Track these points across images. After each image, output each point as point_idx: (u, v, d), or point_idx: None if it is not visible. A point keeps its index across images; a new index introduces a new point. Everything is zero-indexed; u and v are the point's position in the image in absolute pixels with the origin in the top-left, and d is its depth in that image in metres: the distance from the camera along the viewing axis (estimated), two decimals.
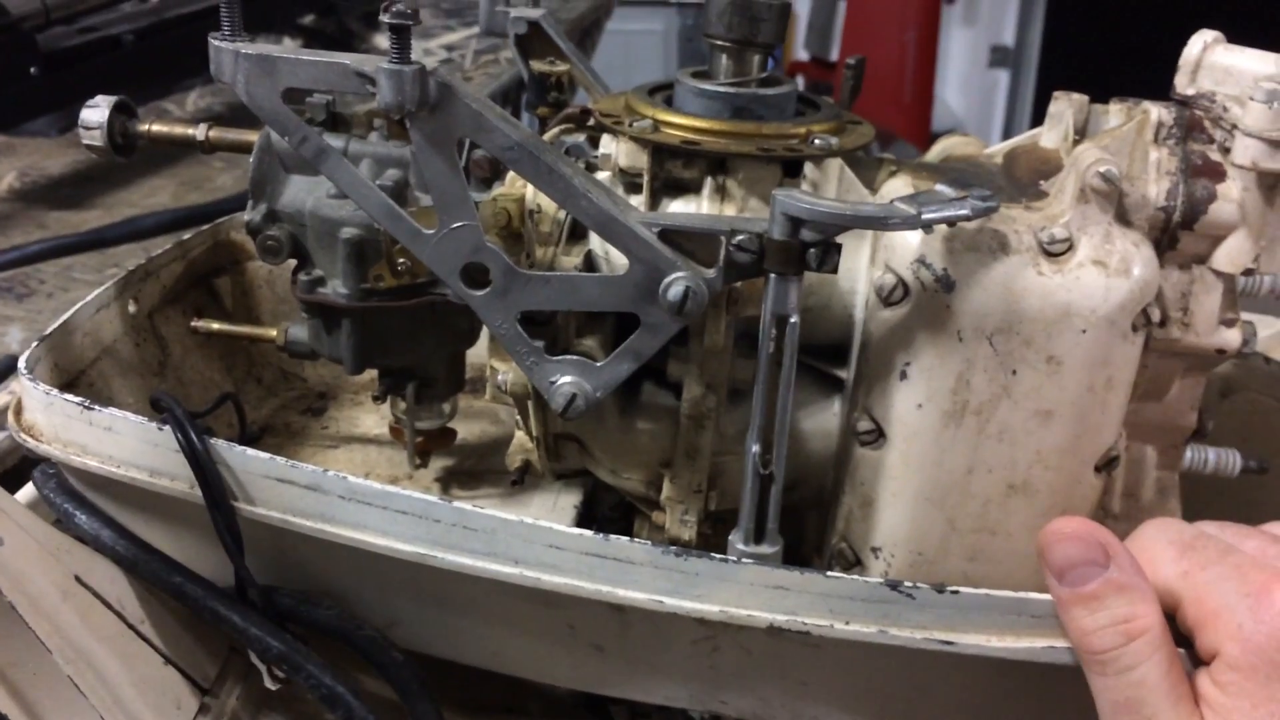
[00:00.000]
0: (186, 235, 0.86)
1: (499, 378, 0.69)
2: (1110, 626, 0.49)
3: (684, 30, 4.17)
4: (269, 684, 0.64)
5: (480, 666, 0.66)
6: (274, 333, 0.76)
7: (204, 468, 0.58)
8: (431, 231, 0.59)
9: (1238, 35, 0.63)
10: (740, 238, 0.58)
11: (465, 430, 0.84)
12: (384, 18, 0.53)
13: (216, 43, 0.57)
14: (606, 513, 0.79)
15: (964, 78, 4.14)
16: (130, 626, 0.62)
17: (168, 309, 0.82)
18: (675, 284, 0.58)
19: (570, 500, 0.77)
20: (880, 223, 0.56)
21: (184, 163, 1.70)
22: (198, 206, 1.49)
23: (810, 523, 0.72)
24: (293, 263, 0.74)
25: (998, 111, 4.05)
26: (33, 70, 1.54)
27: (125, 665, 0.60)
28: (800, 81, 3.54)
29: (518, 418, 0.75)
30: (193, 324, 0.78)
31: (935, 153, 0.75)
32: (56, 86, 1.56)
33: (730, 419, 0.67)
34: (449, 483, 0.80)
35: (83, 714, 0.58)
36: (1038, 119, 0.70)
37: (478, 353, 0.76)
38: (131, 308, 0.78)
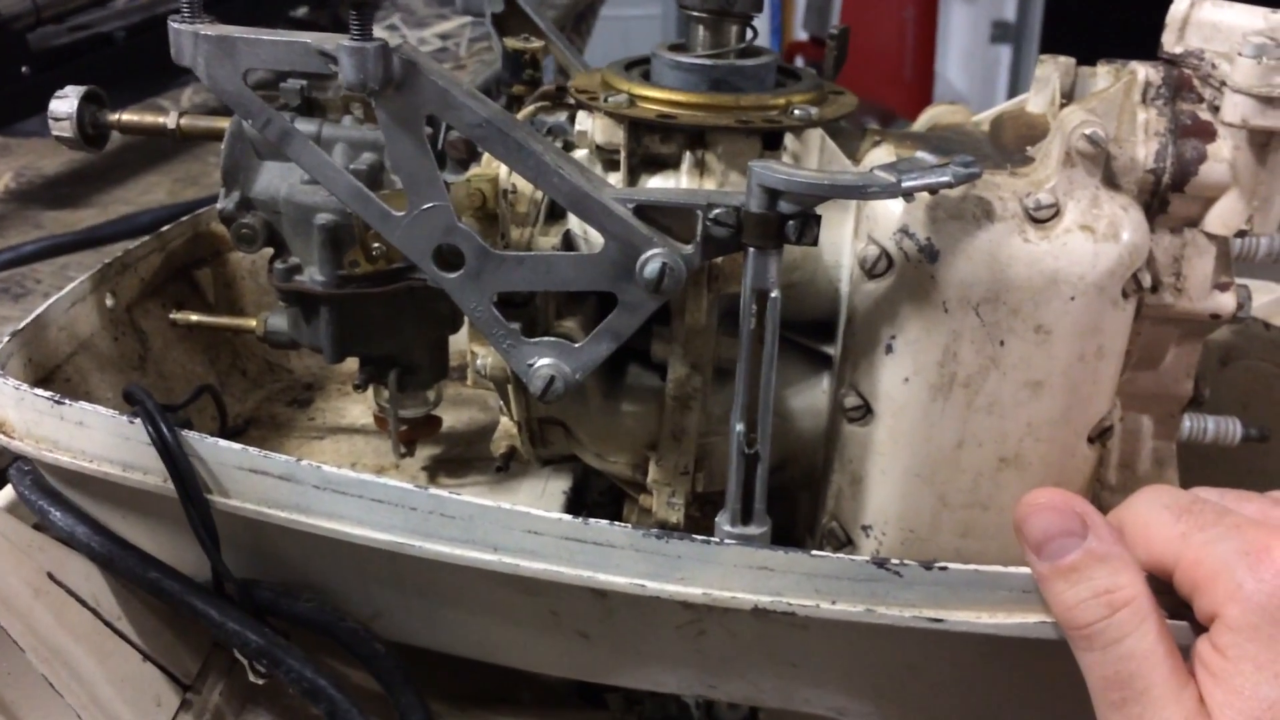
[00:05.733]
0: (166, 228, 0.84)
1: (478, 362, 0.68)
2: (1092, 598, 0.48)
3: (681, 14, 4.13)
4: (253, 678, 0.63)
5: (466, 656, 0.65)
6: (254, 323, 0.75)
7: (175, 461, 0.57)
8: (401, 214, 0.58)
9: None
10: (717, 211, 0.56)
11: (452, 418, 0.83)
12: None
13: (175, 25, 0.56)
14: (596, 498, 0.78)
15: (965, 54, 4.10)
16: (106, 623, 0.61)
17: (147, 302, 0.81)
18: (651, 261, 0.57)
19: (559, 486, 0.76)
20: (859, 192, 0.54)
21: (179, 159, 1.69)
22: (193, 202, 1.48)
23: (802, 503, 0.71)
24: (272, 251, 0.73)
25: (1000, 87, 4.00)
26: (24, 70, 1.54)
27: (102, 663, 0.59)
28: (799, 62, 3.52)
29: (500, 403, 0.74)
30: (171, 316, 0.77)
31: (922, 122, 0.73)
32: (49, 85, 1.55)
33: (716, 399, 0.66)
34: (436, 471, 0.79)
35: (59, 713, 0.57)
36: None
37: (464, 339, 0.75)
38: (109, 301, 0.77)
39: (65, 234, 1.39)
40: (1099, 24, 3.57)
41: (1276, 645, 0.44)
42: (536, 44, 0.78)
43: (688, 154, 0.63)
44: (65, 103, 0.72)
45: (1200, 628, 0.47)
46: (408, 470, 0.79)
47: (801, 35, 4.19)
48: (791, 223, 0.55)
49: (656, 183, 0.64)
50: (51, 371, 0.70)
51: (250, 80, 0.58)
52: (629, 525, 0.55)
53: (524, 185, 0.65)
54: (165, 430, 0.58)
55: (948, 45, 4.05)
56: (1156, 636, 0.47)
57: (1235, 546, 0.46)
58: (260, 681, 0.63)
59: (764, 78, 0.65)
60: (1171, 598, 0.49)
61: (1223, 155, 0.58)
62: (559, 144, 0.67)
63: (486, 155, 0.67)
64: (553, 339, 0.61)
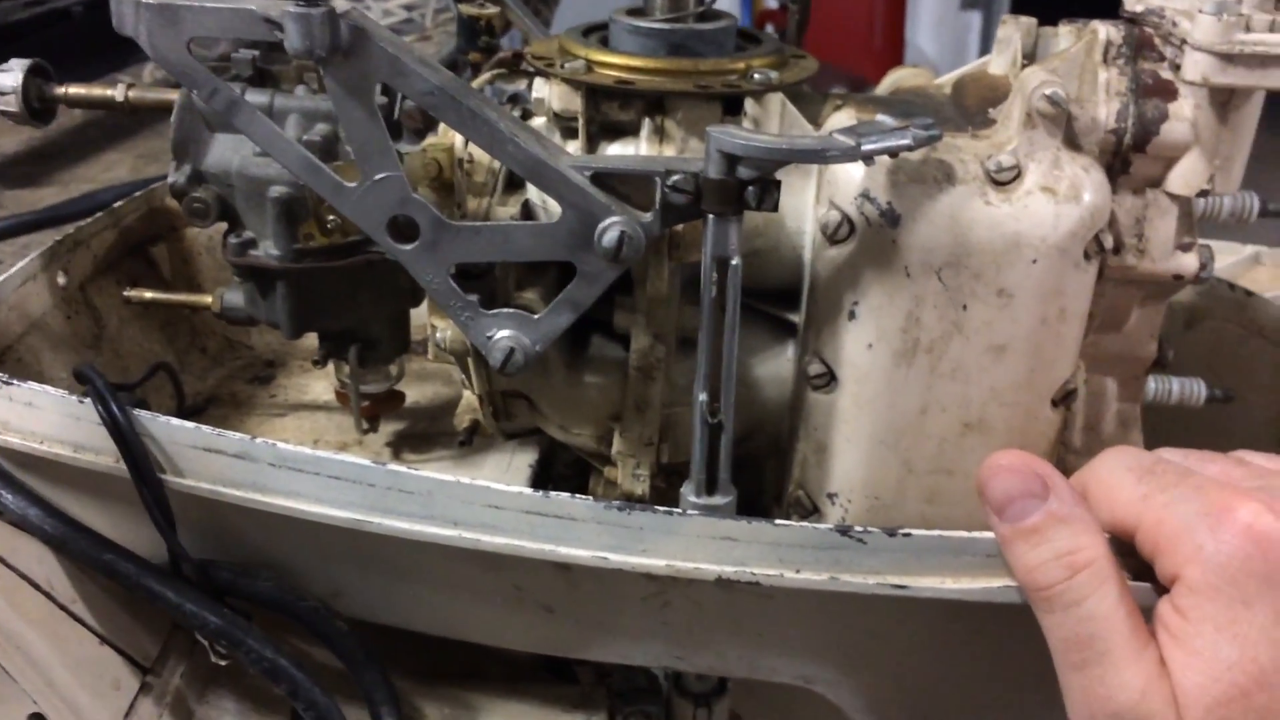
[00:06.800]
0: (118, 204, 0.83)
1: (438, 335, 0.67)
2: (1053, 560, 0.47)
3: None
4: (215, 659, 0.62)
5: (431, 633, 0.65)
6: (210, 299, 0.74)
7: (127, 440, 0.56)
8: (354, 185, 0.57)
9: None
10: (676, 178, 0.55)
11: (417, 392, 0.82)
12: None
13: None
14: (562, 470, 0.77)
15: (935, 21, 4.09)
16: (61, 607, 0.60)
17: (101, 279, 0.79)
18: (610, 229, 0.56)
19: (525, 459, 0.75)
20: (818, 155, 0.53)
21: (141, 135, 1.67)
22: (156, 179, 1.45)
23: (768, 471, 0.71)
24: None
25: (971, 54, 3.99)
26: None
27: (57, 647, 0.58)
28: (770, 30, 3.49)
29: (463, 377, 0.73)
30: (125, 293, 0.76)
31: (885, 85, 0.72)
32: (4, 61, 1.52)
33: (680, 369, 0.65)
34: (400, 447, 0.78)
35: (15, 699, 0.56)
36: None
37: (425, 312, 0.74)
38: (61, 279, 0.75)
39: (26, 213, 1.36)
40: None
41: (1236, 606, 0.43)
42: (492, 10, 0.76)
43: (646, 120, 0.62)
44: (9, 76, 0.70)
45: (1162, 589, 0.47)
46: (371, 446, 0.78)
47: (772, 3, 4.16)
48: (751, 188, 0.54)
49: (616, 150, 0.63)
50: (2, 352, 0.69)
51: (212, 53, 0.56)
52: (591, 498, 0.54)
53: (481, 155, 0.64)
54: (116, 410, 0.56)
55: (918, 12, 4.03)
56: (1117, 598, 0.46)
57: (1197, 508, 0.45)
58: (222, 663, 0.62)
59: (723, 42, 0.64)
60: (1134, 559, 0.49)
61: (1184, 114, 0.57)
62: (517, 112, 0.66)
63: (443, 124, 0.66)
64: (512, 310, 0.60)
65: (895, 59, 3.70)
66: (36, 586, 0.60)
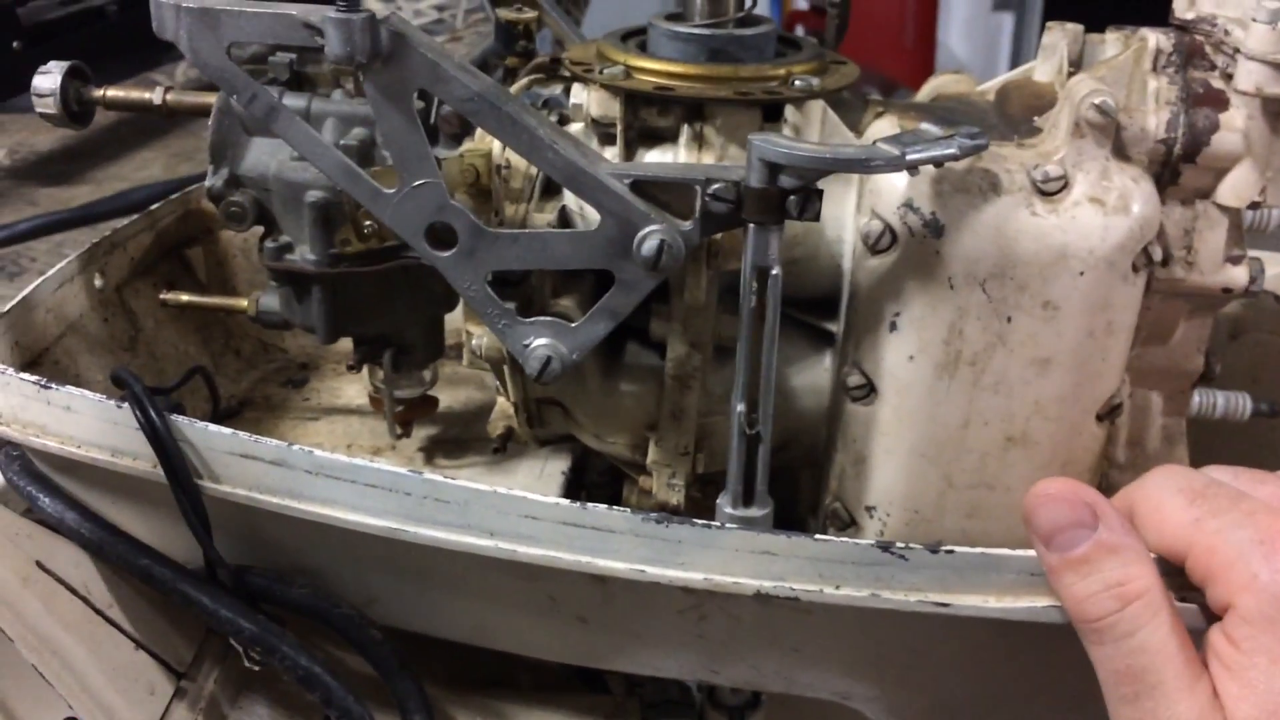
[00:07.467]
0: (155, 206, 0.83)
1: (473, 342, 0.66)
2: (1104, 591, 0.46)
3: None
4: (248, 664, 0.62)
5: (463, 641, 0.64)
6: (246, 303, 0.74)
7: (165, 446, 0.56)
8: (392, 191, 0.56)
9: None
10: (716, 186, 0.55)
11: (449, 398, 0.82)
12: None
13: None
14: (595, 478, 0.77)
15: (967, 22, 4.05)
16: (97, 611, 0.60)
17: (137, 282, 0.79)
18: (649, 238, 0.56)
19: (558, 466, 0.74)
20: (862, 165, 0.53)
21: (175, 134, 1.67)
22: (189, 178, 1.46)
23: (804, 482, 0.70)
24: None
25: (1003, 55, 3.95)
26: (15, 45, 1.52)
27: (93, 652, 0.58)
28: (800, 31, 3.48)
29: (497, 383, 0.73)
30: (161, 296, 0.76)
31: (925, 92, 0.71)
32: (41, 60, 1.53)
33: (717, 378, 0.65)
34: (433, 452, 0.78)
35: (50, 703, 0.56)
36: None
37: (459, 317, 0.73)
38: (98, 282, 0.75)
39: (60, 211, 1.37)
40: None
41: None
42: (530, 14, 0.76)
43: (686, 127, 0.61)
44: (49, 78, 0.70)
45: (1213, 616, 0.46)
46: (404, 451, 0.78)
47: (802, 4, 4.14)
48: (793, 197, 0.53)
49: (654, 157, 0.62)
50: (40, 354, 0.69)
51: (244, 54, 0.56)
52: (628, 509, 0.54)
53: (518, 161, 0.63)
54: (154, 415, 0.56)
55: (949, 13, 4.00)
56: (1169, 629, 0.45)
57: (1250, 535, 0.44)
58: (256, 668, 0.62)
59: (763, 47, 0.64)
60: (1181, 579, 0.48)
61: (1236, 124, 0.56)
62: (554, 118, 0.65)
63: (480, 129, 0.66)
64: (549, 318, 0.59)
65: (926, 60, 3.68)
66: (73, 591, 0.60)
